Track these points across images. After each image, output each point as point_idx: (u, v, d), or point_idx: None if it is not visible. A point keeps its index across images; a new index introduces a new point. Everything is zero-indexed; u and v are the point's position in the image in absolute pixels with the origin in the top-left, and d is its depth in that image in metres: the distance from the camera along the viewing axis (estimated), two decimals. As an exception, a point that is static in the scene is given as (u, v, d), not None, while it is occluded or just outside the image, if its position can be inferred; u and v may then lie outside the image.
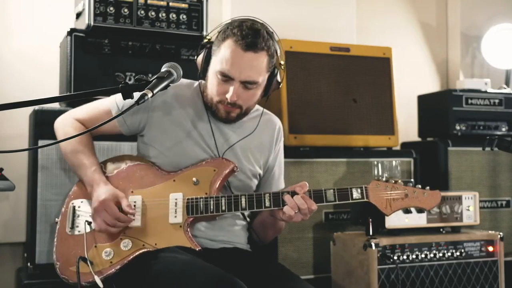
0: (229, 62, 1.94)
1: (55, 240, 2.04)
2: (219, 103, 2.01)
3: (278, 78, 2.07)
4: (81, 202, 2.06)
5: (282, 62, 2.06)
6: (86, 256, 1.94)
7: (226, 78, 1.96)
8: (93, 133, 2.12)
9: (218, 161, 2.04)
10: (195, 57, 2.10)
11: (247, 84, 1.98)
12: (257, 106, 2.16)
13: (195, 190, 1.99)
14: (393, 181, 2.00)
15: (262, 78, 2.01)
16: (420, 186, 2.02)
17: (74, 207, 2.05)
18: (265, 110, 2.22)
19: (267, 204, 1.95)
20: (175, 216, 1.96)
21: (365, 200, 1.98)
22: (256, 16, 2.01)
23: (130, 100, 2.03)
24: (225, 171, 2.01)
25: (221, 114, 2.04)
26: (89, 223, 2.00)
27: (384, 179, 2.00)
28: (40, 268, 2.37)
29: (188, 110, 2.10)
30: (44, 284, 2.30)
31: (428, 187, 2.02)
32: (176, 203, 1.98)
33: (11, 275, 2.97)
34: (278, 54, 2.03)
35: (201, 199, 1.96)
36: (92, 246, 1.97)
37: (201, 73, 2.05)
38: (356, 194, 1.98)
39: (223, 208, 1.95)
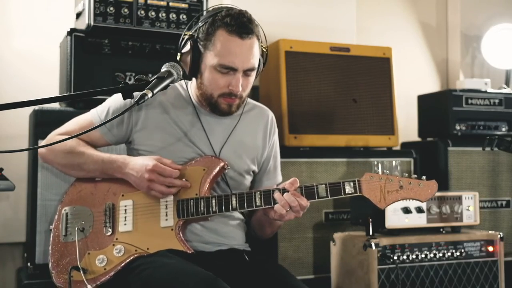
0: (230, 53, 1.90)
1: (50, 248, 2.01)
2: (220, 97, 1.96)
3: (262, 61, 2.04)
4: (74, 208, 2.02)
5: (264, 45, 2.02)
6: (78, 264, 1.91)
7: (228, 70, 1.92)
8: None
9: (208, 159, 2.00)
10: (178, 54, 2.01)
11: (247, 72, 1.95)
12: None
13: (185, 191, 1.95)
14: (387, 172, 1.90)
15: (257, 63, 1.99)
16: (416, 176, 1.91)
17: (66, 213, 2.02)
18: (253, 101, 2.17)
19: (258, 203, 1.90)
20: (166, 219, 1.93)
21: (358, 194, 1.89)
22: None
23: (106, 110, 2.03)
24: (215, 170, 1.97)
25: (223, 108, 1.99)
26: (81, 230, 1.97)
27: (379, 171, 1.91)
28: (40, 268, 2.37)
29: (175, 110, 2.04)
30: (44, 284, 2.29)
31: (424, 177, 1.92)
32: (166, 205, 1.95)
33: (11, 275, 2.97)
34: (262, 36, 2.01)
35: (192, 201, 1.93)
36: (85, 254, 1.95)
37: (191, 72, 1.98)
38: (348, 188, 1.88)
39: (214, 209, 1.91)
